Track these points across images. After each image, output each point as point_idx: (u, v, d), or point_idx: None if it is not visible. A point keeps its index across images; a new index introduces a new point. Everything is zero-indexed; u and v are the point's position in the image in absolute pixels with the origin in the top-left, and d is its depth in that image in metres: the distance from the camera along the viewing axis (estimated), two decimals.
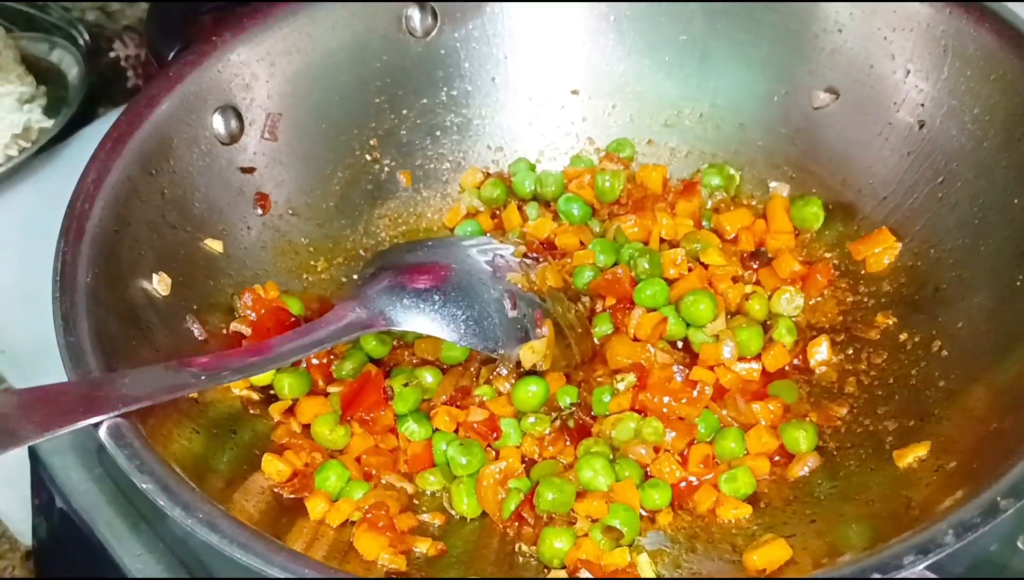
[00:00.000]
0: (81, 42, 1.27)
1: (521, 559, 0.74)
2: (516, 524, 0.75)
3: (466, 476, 0.77)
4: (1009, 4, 0.83)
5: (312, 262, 0.92)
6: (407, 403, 0.80)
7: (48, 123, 1.17)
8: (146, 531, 0.77)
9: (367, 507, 0.74)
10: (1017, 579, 0.71)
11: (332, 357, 0.84)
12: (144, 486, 0.62)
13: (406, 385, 0.81)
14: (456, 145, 0.99)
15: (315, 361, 0.83)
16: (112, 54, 1.25)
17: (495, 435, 0.80)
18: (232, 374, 0.72)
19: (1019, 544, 0.72)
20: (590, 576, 0.70)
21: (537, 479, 0.76)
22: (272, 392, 0.82)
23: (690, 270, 0.88)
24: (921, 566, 0.57)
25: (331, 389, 0.82)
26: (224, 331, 0.83)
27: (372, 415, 0.80)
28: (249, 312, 0.83)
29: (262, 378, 0.81)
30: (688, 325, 0.85)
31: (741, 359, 0.83)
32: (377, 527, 0.72)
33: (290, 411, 0.81)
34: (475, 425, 0.80)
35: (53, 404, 0.63)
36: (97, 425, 0.63)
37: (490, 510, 0.76)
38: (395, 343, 0.86)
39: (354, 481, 0.77)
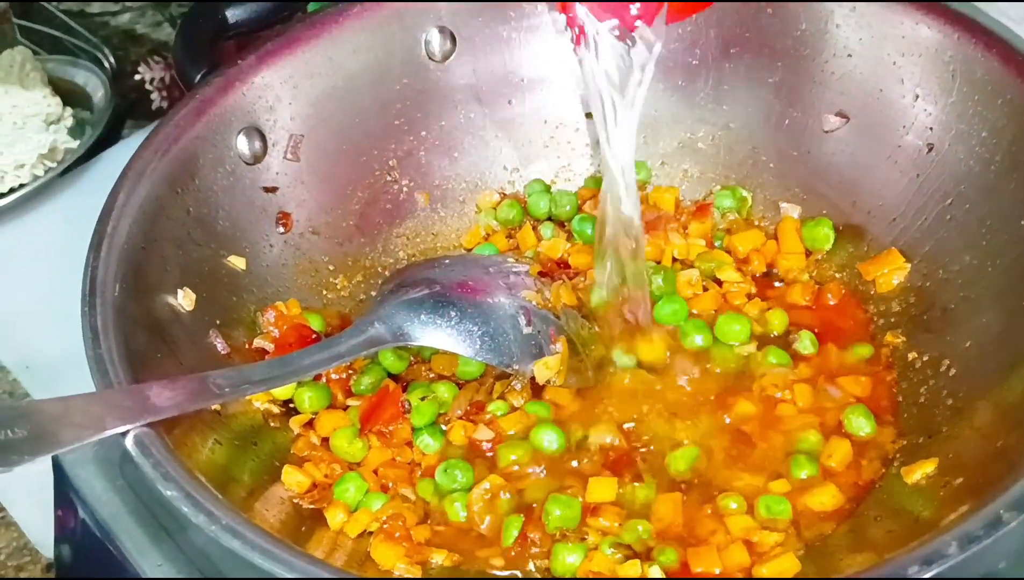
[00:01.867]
0: (106, 64, 1.29)
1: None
2: (520, 548, 0.76)
3: (459, 492, 0.78)
4: (1005, 5, 0.84)
5: (332, 279, 0.93)
6: (424, 417, 0.82)
7: (73, 144, 1.20)
8: (167, 542, 0.78)
9: (384, 518, 0.75)
10: None
11: (351, 372, 0.85)
12: (169, 493, 0.63)
13: (423, 399, 0.82)
14: (473, 166, 1.01)
15: (335, 376, 0.84)
16: (137, 76, 1.26)
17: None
18: (254, 387, 0.73)
19: None
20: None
21: (543, 497, 0.77)
22: (292, 405, 0.83)
23: (705, 289, 0.89)
24: (926, 577, 0.58)
25: (350, 402, 0.84)
26: (247, 346, 0.84)
27: (390, 428, 0.81)
28: (272, 328, 0.85)
29: (283, 392, 0.82)
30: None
31: None
32: (393, 538, 0.74)
33: (310, 424, 0.82)
34: (482, 443, 0.81)
35: (84, 413, 0.64)
36: (124, 434, 0.65)
37: (486, 531, 0.77)
38: (412, 359, 0.88)
39: (372, 493, 0.78)
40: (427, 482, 0.79)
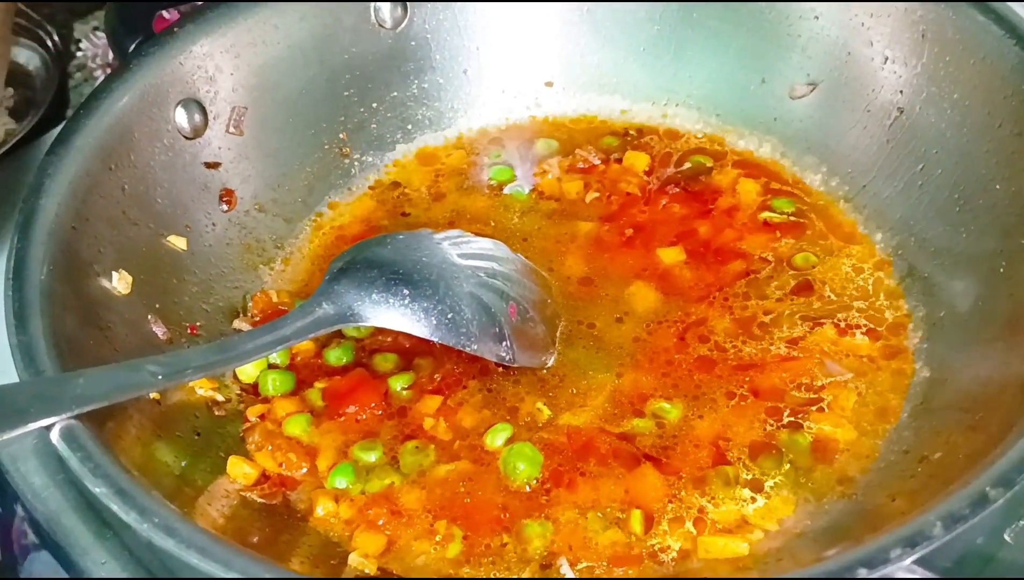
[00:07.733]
0: (49, 43, 1.25)
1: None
2: None
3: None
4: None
5: (279, 259, 0.90)
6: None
7: (14, 125, 1.16)
8: (111, 538, 0.75)
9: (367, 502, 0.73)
10: (1004, 578, 0.69)
11: (319, 357, 0.82)
12: (97, 490, 0.60)
13: (407, 388, 0.79)
14: (428, 139, 0.98)
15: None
16: (80, 54, 1.23)
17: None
18: (194, 373, 0.69)
19: (1006, 537, 0.70)
20: (572, 576, 0.68)
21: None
22: (243, 394, 0.80)
23: None
24: (909, 560, 0.55)
25: (317, 385, 0.80)
26: (189, 330, 0.81)
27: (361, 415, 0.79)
28: (256, 313, 0.84)
29: (249, 375, 0.80)
30: None
31: None
32: (376, 525, 0.71)
33: (263, 416, 0.79)
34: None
35: (5, 404, 0.61)
36: (49, 427, 0.61)
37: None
38: None
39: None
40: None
